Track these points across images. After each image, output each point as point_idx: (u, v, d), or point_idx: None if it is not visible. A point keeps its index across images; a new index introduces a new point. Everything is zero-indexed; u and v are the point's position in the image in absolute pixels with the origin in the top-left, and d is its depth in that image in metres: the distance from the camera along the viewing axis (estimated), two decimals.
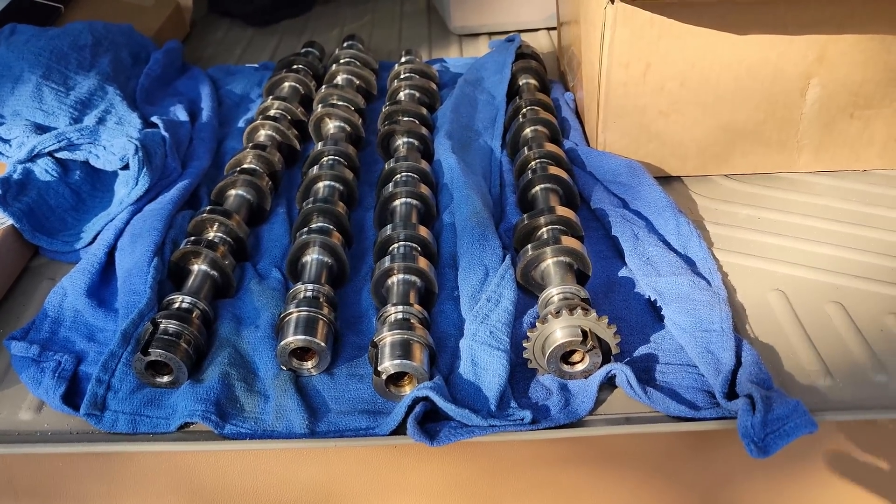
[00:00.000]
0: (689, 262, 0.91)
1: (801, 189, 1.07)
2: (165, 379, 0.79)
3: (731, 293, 0.89)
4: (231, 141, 1.23)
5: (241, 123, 1.28)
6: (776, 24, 0.98)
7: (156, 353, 0.77)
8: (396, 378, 0.77)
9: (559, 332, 0.77)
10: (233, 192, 1.03)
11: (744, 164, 1.09)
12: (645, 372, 0.80)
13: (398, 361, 0.75)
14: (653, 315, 0.87)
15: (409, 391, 0.76)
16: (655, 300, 0.86)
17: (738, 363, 0.77)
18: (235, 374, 0.79)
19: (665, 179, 1.09)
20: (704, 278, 0.88)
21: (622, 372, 0.76)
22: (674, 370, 0.80)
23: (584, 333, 0.76)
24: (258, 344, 0.83)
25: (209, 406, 0.75)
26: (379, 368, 0.75)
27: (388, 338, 0.77)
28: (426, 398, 0.74)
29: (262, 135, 1.16)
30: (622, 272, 0.93)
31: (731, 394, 0.74)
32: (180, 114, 1.21)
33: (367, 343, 0.83)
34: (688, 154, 1.08)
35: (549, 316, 0.77)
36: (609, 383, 0.79)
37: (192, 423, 0.76)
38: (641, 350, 0.83)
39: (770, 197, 1.06)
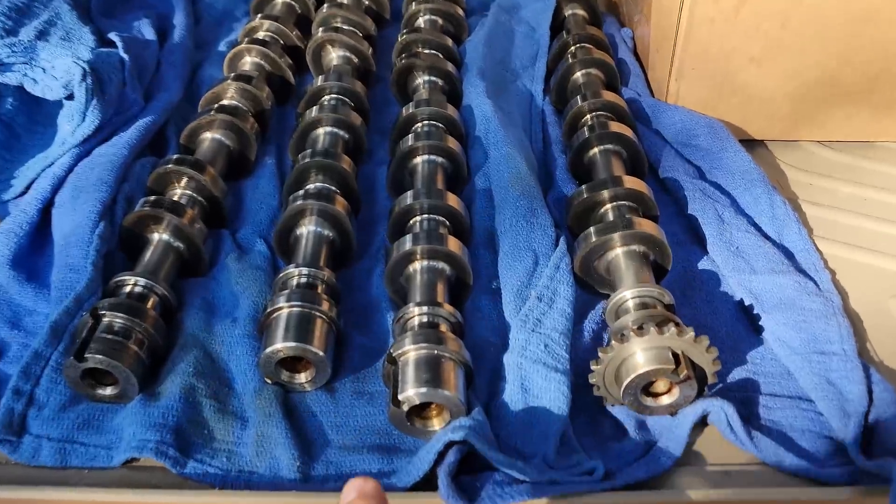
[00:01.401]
0: (787, 255, 0.76)
1: None
2: (108, 391, 0.65)
3: (843, 298, 0.74)
4: (209, 68, 1.10)
5: (222, 47, 1.14)
6: None
7: (94, 360, 0.62)
8: (421, 407, 0.61)
9: (641, 355, 0.62)
10: (208, 135, 0.89)
11: (844, 130, 0.96)
12: (743, 405, 0.65)
13: (425, 390, 0.59)
14: (746, 324, 0.73)
15: (437, 425, 0.62)
16: (750, 304, 0.72)
17: (871, 400, 0.62)
18: (203, 388, 0.65)
19: (746, 144, 0.92)
20: (810, 278, 0.74)
21: (721, 410, 0.61)
22: (782, 405, 0.66)
23: (676, 357, 0.60)
24: (235, 344, 0.69)
25: (165, 434, 0.61)
26: (399, 397, 0.59)
27: (411, 353, 0.62)
28: (463, 441, 0.57)
29: (248, 62, 1.03)
30: (702, 264, 0.80)
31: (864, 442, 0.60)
32: (146, 31, 1.07)
33: (378, 346, 0.70)
34: (777, 113, 0.95)
35: (631, 333, 0.60)
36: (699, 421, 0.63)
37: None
38: (736, 374, 0.69)
39: (875, 172, 0.92)
